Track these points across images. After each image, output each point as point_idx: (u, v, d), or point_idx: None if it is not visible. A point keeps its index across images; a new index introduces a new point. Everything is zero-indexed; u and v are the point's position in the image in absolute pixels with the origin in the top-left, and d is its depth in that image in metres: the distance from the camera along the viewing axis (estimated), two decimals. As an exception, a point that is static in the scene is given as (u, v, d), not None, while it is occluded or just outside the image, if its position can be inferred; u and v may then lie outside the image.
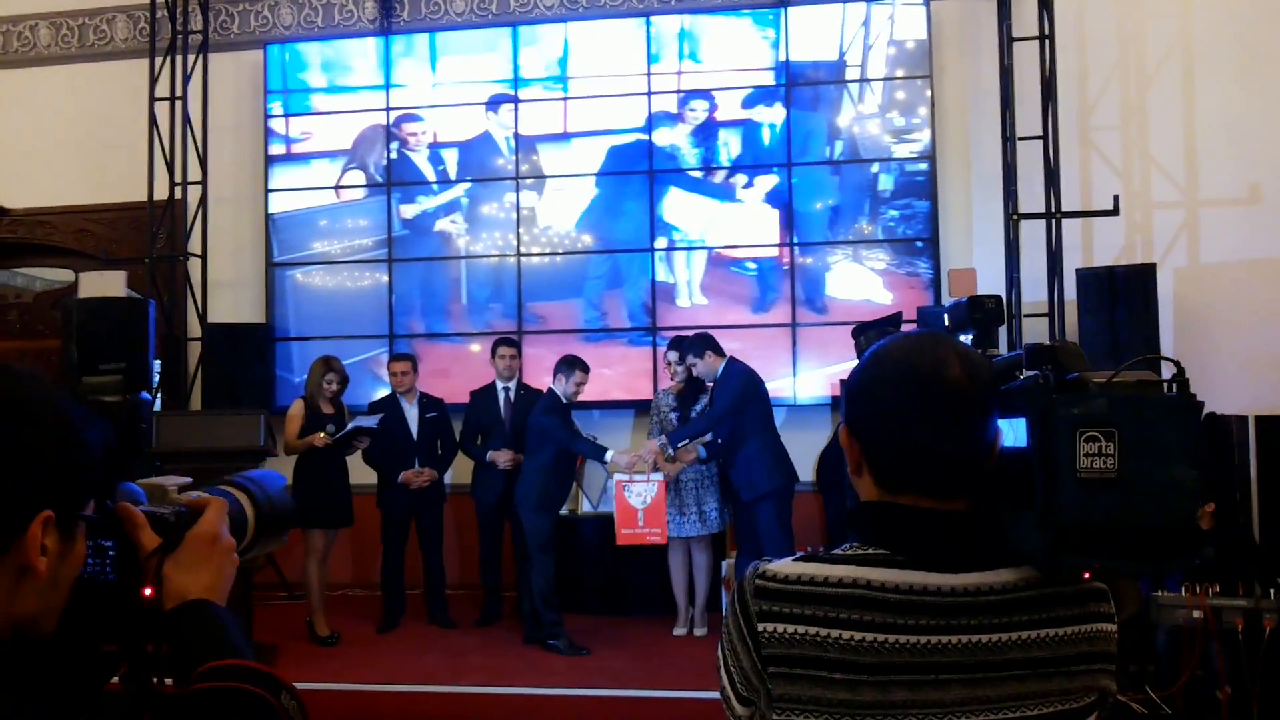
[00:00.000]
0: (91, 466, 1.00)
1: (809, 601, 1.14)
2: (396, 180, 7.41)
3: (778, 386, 6.74)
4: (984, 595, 1.15)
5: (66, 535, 0.97)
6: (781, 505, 5.60)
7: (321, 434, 5.76)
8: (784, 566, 1.18)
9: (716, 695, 1.26)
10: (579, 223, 7.21)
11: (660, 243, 7.08)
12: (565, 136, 7.27)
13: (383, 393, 6.54)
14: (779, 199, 6.98)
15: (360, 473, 6.16)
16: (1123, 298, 6.03)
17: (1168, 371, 1.25)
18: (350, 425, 5.84)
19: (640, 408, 6.96)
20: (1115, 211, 6.15)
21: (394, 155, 7.39)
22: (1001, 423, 1.21)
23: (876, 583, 1.15)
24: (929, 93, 6.84)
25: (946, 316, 1.80)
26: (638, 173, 7.13)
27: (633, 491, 5.30)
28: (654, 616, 6.12)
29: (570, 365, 5.73)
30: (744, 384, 5.60)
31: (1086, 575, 1.21)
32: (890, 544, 1.18)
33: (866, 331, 5.38)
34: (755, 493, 5.57)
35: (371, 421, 5.92)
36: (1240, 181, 6.55)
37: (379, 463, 6.12)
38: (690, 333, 6.12)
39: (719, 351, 5.76)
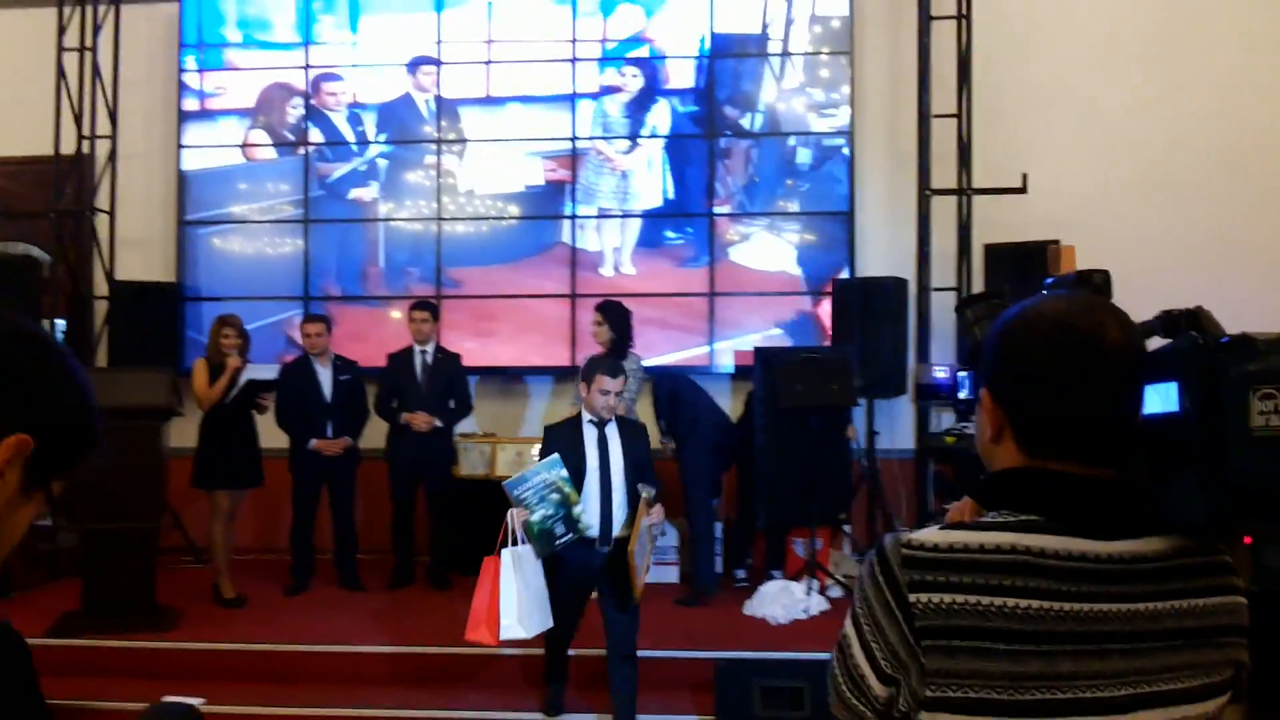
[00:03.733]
0: (83, 425, 0.97)
1: (966, 570, 1.09)
2: (314, 141, 7.28)
3: (695, 355, 6.84)
4: (1140, 563, 1.12)
5: (29, 484, 0.93)
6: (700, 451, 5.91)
7: (230, 359, 5.69)
8: (931, 535, 1.12)
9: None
10: (501, 188, 7.17)
11: (581, 210, 7.08)
12: (489, 100, 7.22)
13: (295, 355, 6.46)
14: (699, 169, 7.02)
15: (272, 436, 6.07)
16: (1028, 273, 6.20)
17: None
18: (243, 380, 5.75)
19: (559, 374, 6.96)
20: (1024, 189, 6.32)
21: (303, 113, 7.25)
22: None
23: (1036, 549, 1.10)
24: (849, 69, 6.93)
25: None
26: (561, 139, 7.11)
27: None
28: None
29: (591, 369, 4.23)
30: (667, 400, 5.95)
31: (1248, 540, 1.20)
32: (1044, 510, 1.13)
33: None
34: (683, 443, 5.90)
35: (267, 374, 5.85)
36: (1146, 165, 6.77)
37: (290, 425, 6.04)
38: (613, 298, 6.12)
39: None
